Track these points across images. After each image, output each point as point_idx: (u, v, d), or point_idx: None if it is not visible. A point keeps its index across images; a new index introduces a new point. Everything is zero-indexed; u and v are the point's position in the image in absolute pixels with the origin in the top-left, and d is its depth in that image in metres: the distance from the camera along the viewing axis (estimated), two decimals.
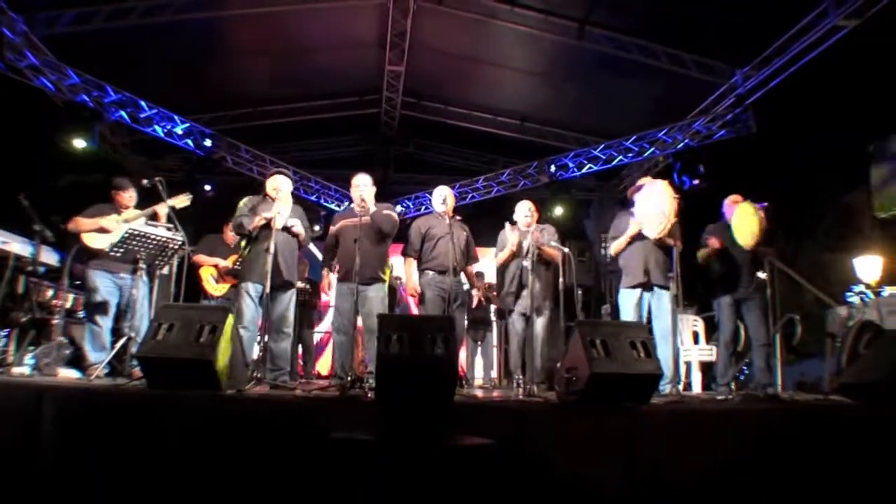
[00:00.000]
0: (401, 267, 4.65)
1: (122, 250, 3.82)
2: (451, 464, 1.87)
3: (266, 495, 2.16)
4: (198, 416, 2.32)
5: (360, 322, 3.96)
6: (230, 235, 5.21)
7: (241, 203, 4.07)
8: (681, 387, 4.07)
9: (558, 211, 8.03)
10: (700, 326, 5.82)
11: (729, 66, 6.36)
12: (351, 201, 4.26)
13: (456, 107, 8.17)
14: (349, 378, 3.26)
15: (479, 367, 7.45)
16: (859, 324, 4.66)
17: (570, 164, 7.90)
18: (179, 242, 4.00)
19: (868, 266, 5.21)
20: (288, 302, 3.99)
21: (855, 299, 4.88)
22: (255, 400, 2.70)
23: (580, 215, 9.16)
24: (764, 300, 4.17)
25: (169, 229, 4.15)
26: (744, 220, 4.11)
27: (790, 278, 4.99)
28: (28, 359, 4.16)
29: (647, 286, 4.13)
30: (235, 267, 5.04)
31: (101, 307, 4.13)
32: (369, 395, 2.87)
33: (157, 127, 6.97)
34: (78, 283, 4.82)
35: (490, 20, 6.24)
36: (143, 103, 6.72)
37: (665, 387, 3.67)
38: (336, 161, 9.10)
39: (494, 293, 7.31)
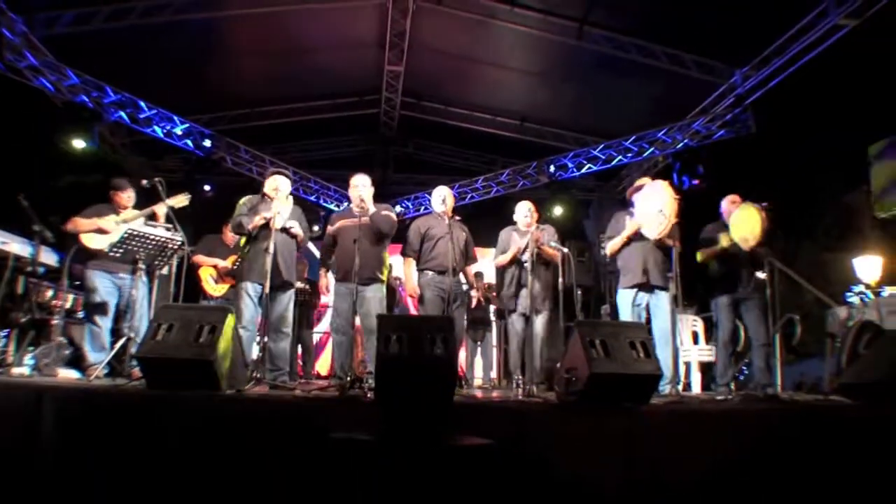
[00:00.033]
0: (400, 267, 4.65)
1: (121, 251, 3.82)
2: (450, 464, 1.87)
3: (266, 495, 2.16)
4: (197, 416, 2.32)
5: (358, 322, 3.96)
6: (229, 236, 5.21)
7: (240, 202, 4.07)
8: (680, 387, 4.07)
9: (558, 211, 8.03)
10: (700, 326, 5.82)
11: (728, 66, 6.36)
12: (350, 201, 4.26)
13: (455, 107, 8.17)
14: (349, 378, 3.26)
15: (478, 368, 7.45)
16: (859, 324, 4.66)
17: (570, 165, 7.90)
18: (179, 243, 4.00)
19: (868, 266, 5.21)
20: (287, 302, 3.99)
21: (855, 299, 4.88)
22: (254, 400, 2.70)
23: (580, 215, 9.16)
24: (763, 300, 4.16)
25: (168, 229, 4.15)
26: (745, 221, 4.09)
27: (790, 278, 4.99)
28: (28, 359, 4.16)
29: (645, 287, 4.13)
30: (234, 267, 5.04)
31: (101, 307, 4.13)
32: (369, 395, 2.86)
33: (156, 127, 6.97)
34: (77, 283, 4.82)
35: (489, 20, 6.24)
36: (142, 104, 6.72)
37: (665, 387, 3.67)
38: (335, 161, 9.10)
39: (494, 293, 7.32)
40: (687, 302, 5.53)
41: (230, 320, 2.85)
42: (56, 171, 6.41)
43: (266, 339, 3.78)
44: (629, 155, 7.65)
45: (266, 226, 3.78)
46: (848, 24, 5.04)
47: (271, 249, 3.60)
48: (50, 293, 4.84)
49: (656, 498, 2.22)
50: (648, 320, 4.17)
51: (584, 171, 7.91)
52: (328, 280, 4.23)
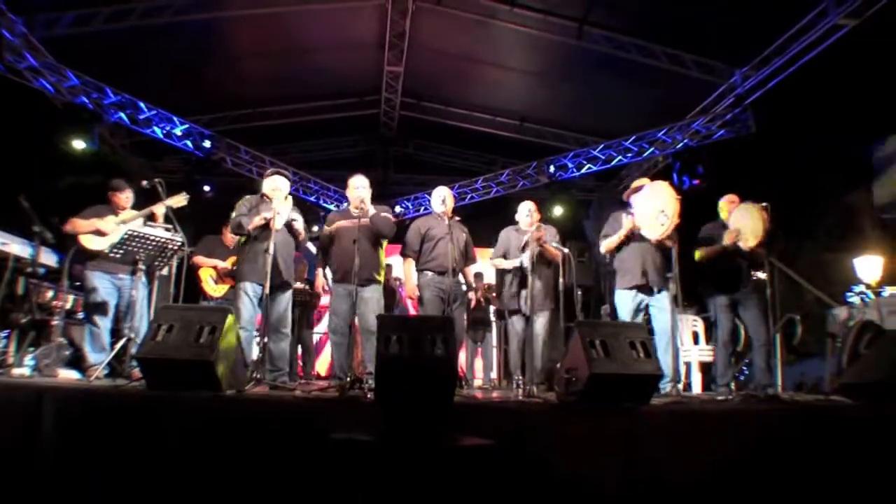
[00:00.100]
0: (401, 267, 4.65)
1: (121, 251, 3.82)
2: (450, 464, 1.87)
3: (266, 496, 2.16)
4: (197, 416, 2.32)
5: (356, 322, 3.96)
6: (229, 237, 5.21)
7: (239, 203, 4.07)
8: (680, 387, 4.07)
9: (558, 211, 8.02)
10: (700, 326, 5.82)
11: (728, 66, 6.35)
12: (348, 202, 4.26)
13: (455, 107, 8.17)
14: (348, 379, 3.26)
15: (478, 368, 7.45)
16: (860, 324, 4.66)
17: (570, 165, 7.90)
18: (179, 243, 4.00)
19: (868, 266, 5.21)
20: (286, 302, 4.00)
21: (855, 299, 4.88)
22: (254, 401, 2.70)
23: (579, 216, 9.16)
24: (762, 300, 4.15)
25: (167, 230, 4.14)
26: (746, 221, 4.08)
27: (790, 278, 4.99)
28: (28, 360, 4.16)
29: (645, 288, 4.11)
30: (234, 268, 5.05)
31: (100, 308, 4.13)
32: (369, 395, 2.86)
33: (156, 128, 6.97)
34: (77, 284, 4.82)
35: (489, 20, 6.24)
36: (142, 105, 6.72)
37: (665, 386, 3.66)
38: (335, 162, 9.10)
39: (494, 294, 7.32)
40: (687, 302, 5.53)
41: (230, 321, 2.85)
42: (56, 172, 6.41)
43: (266, 339, 3.79)
44: (629, 155, 7.65)
45: (266, 226, 3.78)
46: (848, 23, 5.03)
47: (271, 250, 3.61)
48: (50, 294, 4.84)
49: (656, 498, 2.22)
50: (648, 321, 4.17)
51: (583, 171, 7.90)
52: (324, 280, 4.24)
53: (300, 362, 6.53)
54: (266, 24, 6.25)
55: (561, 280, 3.99)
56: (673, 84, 6.59)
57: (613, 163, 7.76)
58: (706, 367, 5.53)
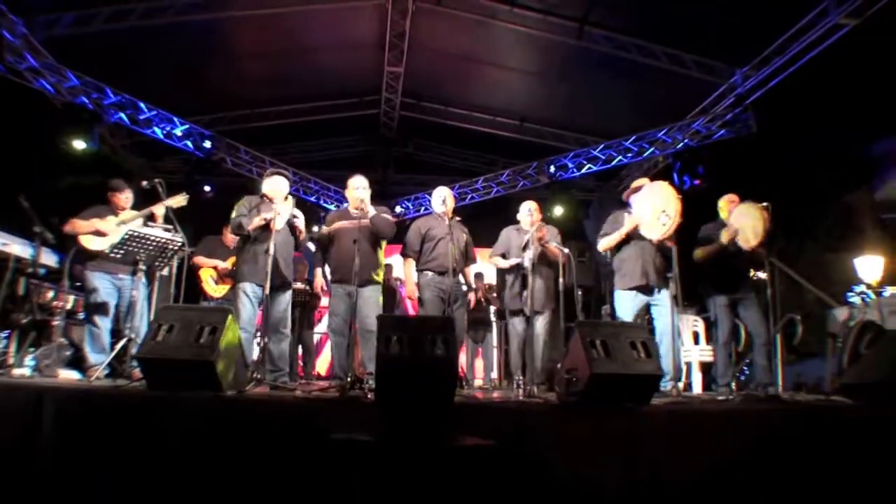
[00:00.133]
0: (401, 267, 4.65)
1: (122, 252, 3.82)
2: (451, 464, 1.87)
3: (266, 496, 2.16)
4: (198, 417, 2.32)
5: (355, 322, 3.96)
6: (229, 237, 5.21)
7: (239, 203, 4.07)
8: (681, 386, 4.06)
9: (558, 211, 8.01)
10: (700, 326, 5.81)
11: (728, 66, 6.35)
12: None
13: (455, 107, 8.17)
14: (349, 379, 3.26)
15: (479, 368, 7.44)
16: (860, 324, 4.65)
17: (570, 165, 7.90)
18: (179, 244, 4.00)
19: (869, 266, 5.21)
20: (286, 303, 4.00)
21: (856, 299, 4.87)
22: (255, 401, 2.70)
23: (580, 216, 9.16)
24: (763, 299, 4.15)
25: (167, 230, 4.15)
26: (747, 221, 4.07)
27: (791, 278, 4.98)
28: (28, 360, 4.17)
29: (645, 288, 4.09)
30: (234, 268, 5.05)
31: (101, 308, 4.13)
32: (369, 396, 2.86)
33: (156, 128, 6.97)
34: (78, 284, 4.83)
35: (489, 20, 6.23)
36: (142, 105, 6.72)
37: (666, 384, 3.66)
38: (335, 162, 9.11)
39: (494, 294, 7.32)
40: (687, 302, 5.52)
41: (231, 321, 2.85)
42: (56, 172, 6.42)
43: (265, 339, 3.79)
44: (629, 155, 7.65)
45: (266, 227, 3.78)
46: (848, 23, 5.03)
47: (272, 251, 3.60)
48: (51, 294, 4.85)
49: (656, 498, 2.22)
50: (649, 321, 4.16)
51: (584, 171, 7.90)
52: (323, 280, 4.24)
53: (301, 362, 6.53)
54: (266, 25, 6.25)
55: (561, 280, 3.99)
56: (673, 84, 6.58)
57: (614, 163, 7.76)
58: (707, 367, 5.53)
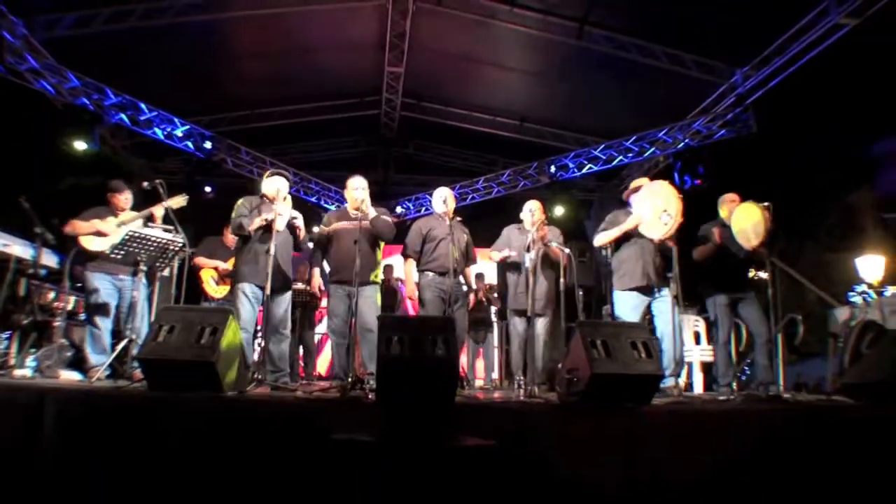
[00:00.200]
0: (402, 268, 4.65)
1: (123, 252, 3.82)
2: (451, 465, 1.87)
3: (267, 496, 2.16)
4: (199, 417, 2.32)
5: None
6: (230, 238, 5.21)
7: (238, 203, 4.07)
8: (682, 385, 4.06)
9: (559, 211, 8.01)
10: (701, 326, 5.81)
11: (729, 66, 6.35)
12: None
13: (456, 107, 8.17)
14: (350, 379, 3.26)
15: (480, 369, 7.44)
16: (862, 324, 4.65)
17: (570, 165, 7.90)
18: (180, 244, 4.00)
19: (870, 266, 5.20)
20: (286, 303, 4.00)
21: (857, 299, 4.87)
22: (256, 401, 2.70)
23: (580, 216, 9.16)
24: (763, 298, 4.14)
25: (167, 230, 4.15)
26: (748, 221, 4.06)
27: (792, 278, 4.98)
28: (30, 361, 4.17)
29: (646, 289, 4.08)
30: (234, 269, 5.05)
31: (101, 309, 4.13)
32: (370, 396, 2.86)
33: (157, 129, 6.98)
34: (79, 285, 4.83)
35: (489, 20, 6.23)
36: (143, 106, 6.72)
37: (668, 380, 3.64)
38: (336, 162, 9.11)
39: (495, 294, 7.32)
40: (687, 302, 5.52)
41: (232, 322, 2.85)
42: (57, 173, 6.43)
43: (265, 340, 3.79)
44: (630, 155, 7.64)
45: (267, 227, 3.78)
46: (848, 23, 5.03)
47: (272, 251, 3.61)
48: (52, 295, 4.85)
49: (656, 498, 2.22)
50: (650, 321, 4.15)
51: (584, 171, 7.90)
52: (320, 280, 4.25)
53: (301, 363, 6.54)
54: (266, 25, 6.26)
55: (562, 280, 3.99)
56: (673, 84, 6.58)
57: (614, 163, 7.76)
58: (707, 368, 5.53)
